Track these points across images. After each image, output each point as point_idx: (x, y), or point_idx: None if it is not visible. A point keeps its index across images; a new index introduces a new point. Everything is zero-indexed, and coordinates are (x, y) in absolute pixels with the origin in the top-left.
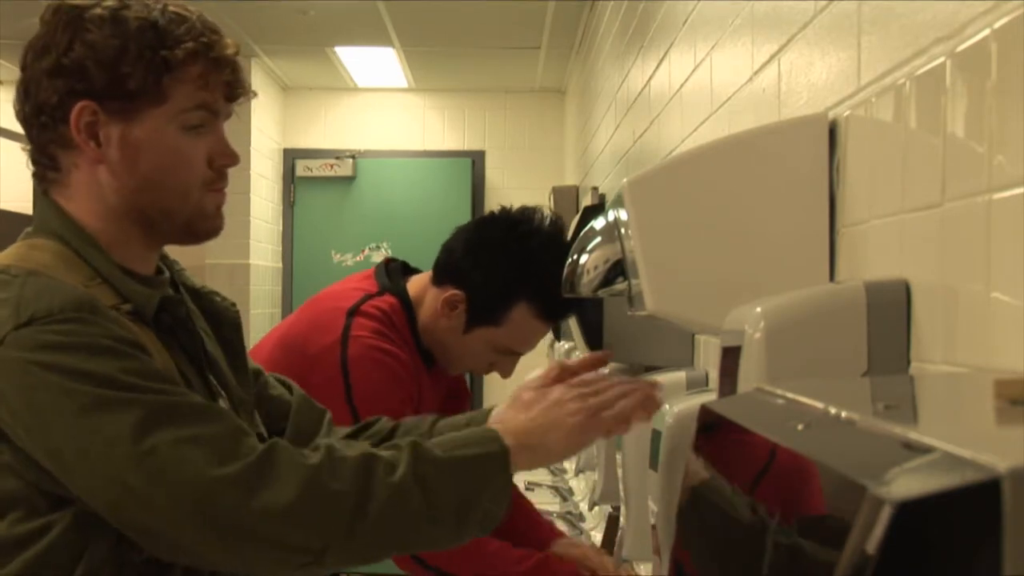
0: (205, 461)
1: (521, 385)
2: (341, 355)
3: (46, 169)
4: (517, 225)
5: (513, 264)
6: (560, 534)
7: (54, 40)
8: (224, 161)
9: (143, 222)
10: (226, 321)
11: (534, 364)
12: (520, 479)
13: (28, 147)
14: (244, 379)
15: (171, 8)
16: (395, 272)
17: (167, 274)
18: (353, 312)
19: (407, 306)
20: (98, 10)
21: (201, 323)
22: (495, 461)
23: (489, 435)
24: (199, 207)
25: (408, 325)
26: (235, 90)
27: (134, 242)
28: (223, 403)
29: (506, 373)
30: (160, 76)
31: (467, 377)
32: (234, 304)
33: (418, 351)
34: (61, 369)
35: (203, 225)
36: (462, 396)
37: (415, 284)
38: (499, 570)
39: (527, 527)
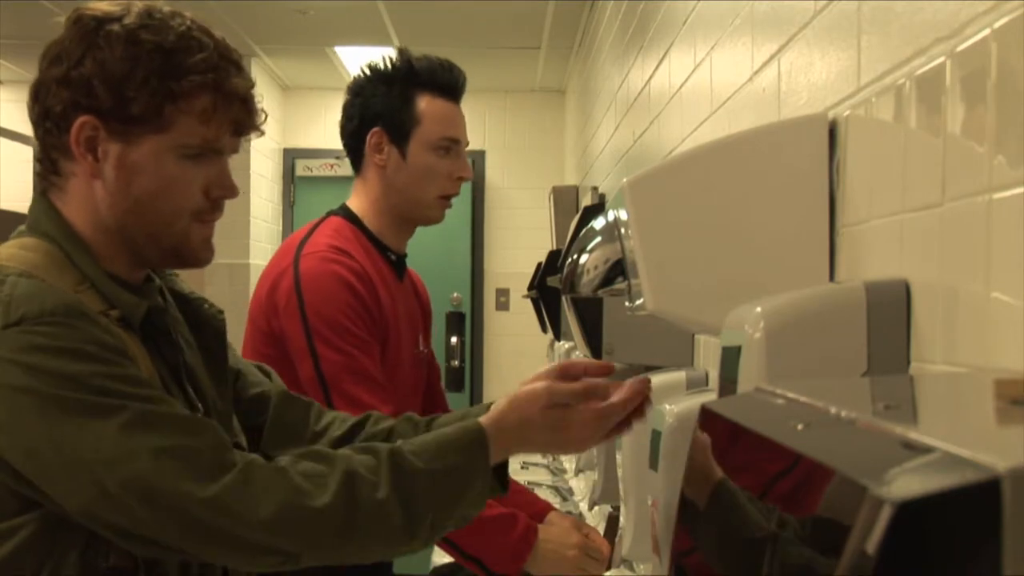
0: (183, 476)
1: (522, 383)
2: (294, 273)
3: (48, 171)
4: (374, 65)
5: (395, 76)
6: (550, 507)
7: (68, 50)
8: (221, 193)
9: (129, 242)
10: (210, 329)
11: (534, 365)
12: (520, 479)
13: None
14: (223, 388)
15: (193, 33)
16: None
17: (156, 281)
18: (306, 238)
19: (354, 220)
20: (116, 27)
21: (184, 331)
22: (475, 466)
23: (473, 436)
24: (184, 236)
25: (364, 235)
26: (242, 126)
27: (122, 256)
28: (199, 415)
29: (467, 171)
30: (163, 104)
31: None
32: (221, 312)
33: (386, 262)
34: (46, 371)
35: (188, 254)
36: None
37: (351, 202)
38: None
39: (521, 503)
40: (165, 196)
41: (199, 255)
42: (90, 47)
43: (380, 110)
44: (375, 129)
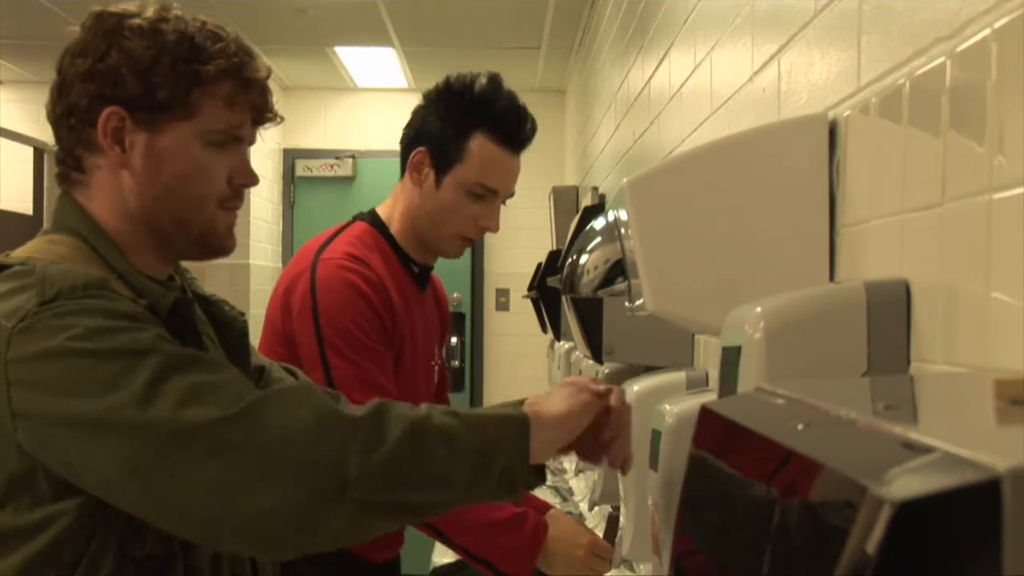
0: (214, 405)
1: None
2: (310, 278)
3: (70, 169)
4: (456, 80)
5: (462, 102)
6: (550, 506)
7: (92, 45)
8: (243, 180)
9: (158, 231)
10: (233, 330)
11: (534, 365)
12: None
13: (55, 148)
14: None
15: (208, 26)
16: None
17: (178, 281)
18: (326, 242)
19: (380, 227)
20: (137, 20)
21: (208, 330)
22: (514, 423)
23: (512, 408)
24: (211, 223)
25: (387, 243)
26: (262, 113)
27: (148, 248)
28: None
29: (493, 223)
30: (190, 89)
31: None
32: (242, 314)
33: (407, 272)
34: (79, 330)
35: (214, 241)
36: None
37: (384, 206)
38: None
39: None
40: (193, 183)
41: (224, 243)
42: (115, 40)
43: (434, 131)
44: (421, 148)
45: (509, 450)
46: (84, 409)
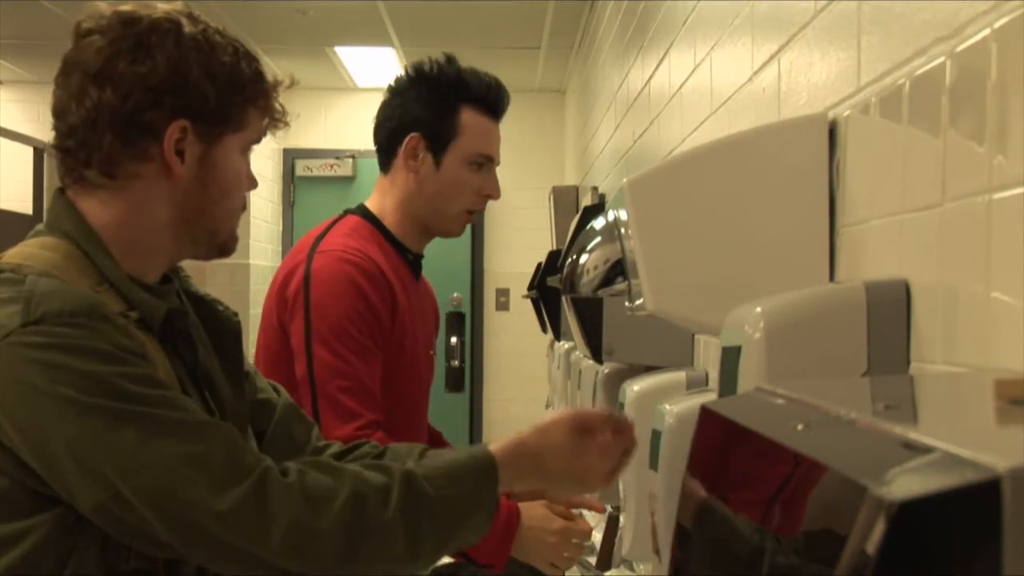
0: (198, 485)
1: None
2: (306, 270)
3: (89, 170)
4: (422, 66)
5: (440, 83)
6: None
7: (160, 54)
8: (250, 184)
9: (186, 239)
10: (227, 331)
11: (534, 365)
12: None
13: (65, 143)
14: (240, 391)
15: (226, 32)
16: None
17: (174, 283)
18: (321, 236)
19: (372, 220)
20: (189, 29)
21: (200, 333)
22: (481, 496)
23: (484, 464)
24: (234, 230)
25: (381, 234)
26: (280, 120)
27: (160, 254)
28: (215, 419)
29: (495, 190)
30: (248, 103)
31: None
32: (236, 314)
33: (404, 261)
34: (65, 372)
35: (230, 247)
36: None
37: (372, 201)
38: None
39: None
40: (232, 193)
41: (235, 245)
42: (184, 52)
43: (421, 115)
44: (413, 134)
45: (471, 529)
46: (66, 453)
